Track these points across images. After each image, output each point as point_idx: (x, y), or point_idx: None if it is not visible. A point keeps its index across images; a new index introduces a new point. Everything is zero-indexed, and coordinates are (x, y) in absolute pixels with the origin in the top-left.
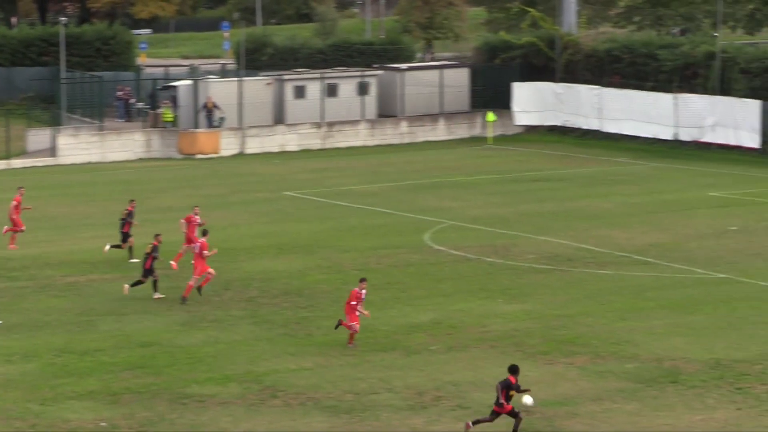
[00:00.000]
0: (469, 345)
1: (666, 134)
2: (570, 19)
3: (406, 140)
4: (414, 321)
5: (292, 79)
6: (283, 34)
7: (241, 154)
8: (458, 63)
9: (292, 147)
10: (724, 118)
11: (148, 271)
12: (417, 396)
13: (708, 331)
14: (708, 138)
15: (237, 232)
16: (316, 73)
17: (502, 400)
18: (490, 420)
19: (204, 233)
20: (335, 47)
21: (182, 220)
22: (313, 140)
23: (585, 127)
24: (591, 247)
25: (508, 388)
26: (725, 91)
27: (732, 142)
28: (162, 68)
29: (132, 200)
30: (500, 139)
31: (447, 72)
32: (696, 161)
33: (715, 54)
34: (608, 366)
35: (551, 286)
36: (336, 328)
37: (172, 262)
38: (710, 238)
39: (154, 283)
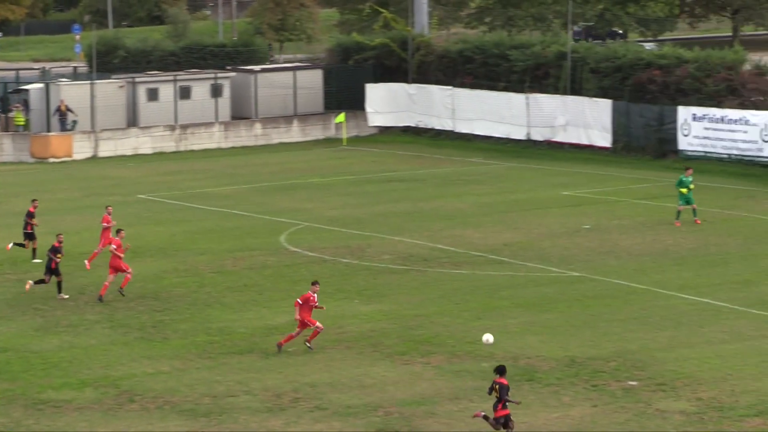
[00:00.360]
0: (326, 346)
1: (519, 134)
2: (422, 20)
3: (261, 142)
4: (271, 323)
5: (144, 81)
6: (135, 36)
7: (94, 158)
8: (311, 64)
9: (146, 150)
10: (576, 118)
11: (52, 272)
12: (275, 398)
13: (563, 329)
14: (560, 137)
15: (91, 236)
16: (168, 76)
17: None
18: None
19: (118, 232)
20: (188, 49)
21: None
22: (167, 143)
23: (438, 127)
24: (446, 247)
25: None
26: (576, 90)
27: (584, 141)
28: (13, 71)
29: (34, 200)
30: (355, 140)
31: (300, 73)
32: (548, 161)
33: (566, 54)
34: (465, 365)
35: (407, 287)
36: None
37: (86, 262)
38: (564, 237)
39: (59, 284)
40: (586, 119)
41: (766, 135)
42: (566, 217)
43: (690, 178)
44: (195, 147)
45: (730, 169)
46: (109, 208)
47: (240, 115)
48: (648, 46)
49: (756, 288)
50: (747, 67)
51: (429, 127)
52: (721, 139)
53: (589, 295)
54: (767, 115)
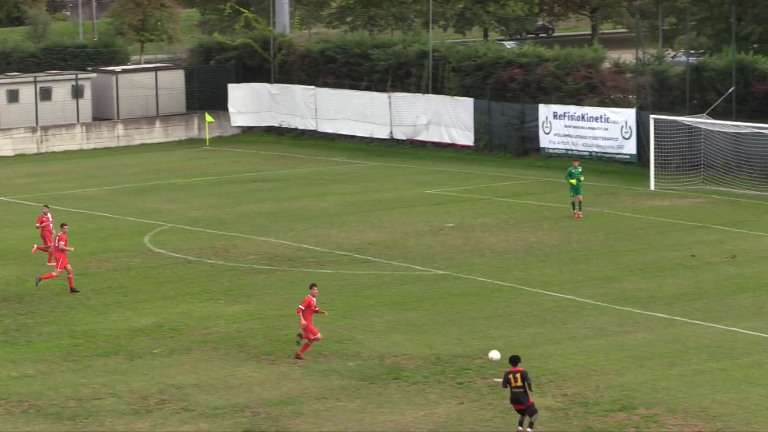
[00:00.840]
0: (192, 347)
1: (382, 133)
2: (283, 20)
3: (123, 143)
4: (136, 325)
5: (4, 83)
6: None
7: None
8: (173, 65)
9: (7, 152)
10: (438, 117)
11: None
12: (141, 400)
13: (428, 327)
14: (423, 136)
15: None
16: (29, 77)
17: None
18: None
19: (62, 226)
20: (48, 50)
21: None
22: (29, 144)
23: (301, 127)
24: (311, 246)
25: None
26: (438, 89)
27: (446, 140)
28: None
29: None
30: (217, 141)
31: (162, 74)
32: (412, 159)
33: (427, 53)
34: (331, 364)
35: (272, 287)
36: (301, 349)
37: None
38: (428, 236)
39: None
40: (449, 118)
41: (626, 132)
42: (430, 216)
43: (579, 170)
44: (56, 148)
45: (591, 166)
46: (45, 207)
47: (101, 116)
48: (508, 44)
49: (618, 284)
50: (606, 65)
51: (292, 126)
52: (582, 137)
53: (453, 293)
54: (627, 113)
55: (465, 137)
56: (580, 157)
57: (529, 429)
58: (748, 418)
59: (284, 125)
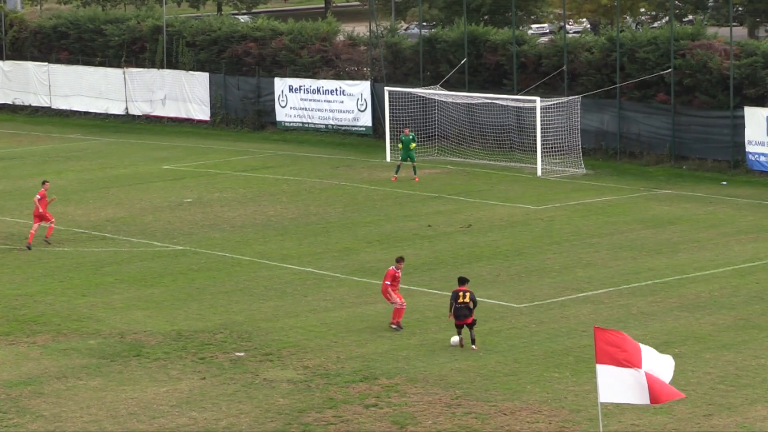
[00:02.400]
0: None
1: (117, 109)
2: None
3: None
4: None
5: None
6: None
7: None
8: None
9: None
10: (174, 92)
11: None
12: None
13: (168, 303)
14: (159, 112)
15: None
16: None
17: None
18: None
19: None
20: None
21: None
22: None
23: (35, 104)
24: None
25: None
26: (173, 64)
27: (183, 115)
28: None
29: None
30: None
31: None
32: (148, 135)
33: (161, 28)
34: (71, 343)
35: (9, 266)
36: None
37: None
38: (166, 211)
39: None
40: (185, 93)
41: (361, 105)
42: (168, 191)
43: (410, 136)
44: None
45: (327, 139)
46: (46, 183)
47: None
48: (243, 18)
49: (356, 256)
50: (340, 38)
51: (26, 104)
52: (319, 110)
53: (193, 268)
54: (362, 85)
55: (201, 112)
56: (317, 131)
57: (473, 345)
58: (487, 384)
59: (18, 102)
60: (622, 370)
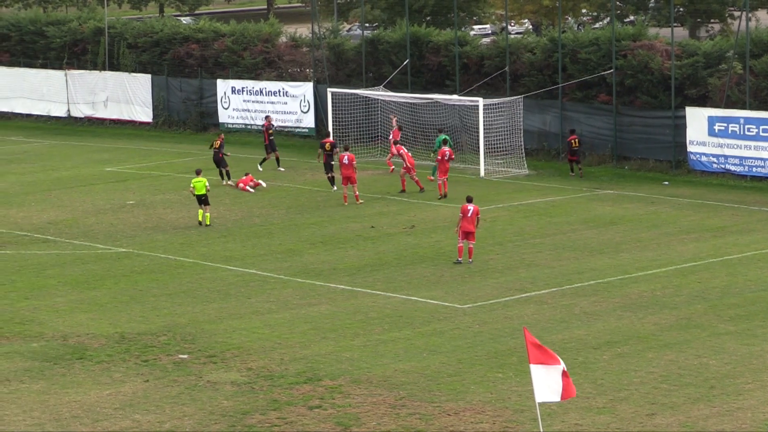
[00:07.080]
0: None
1: (59, 111)
2: None
3: None
4: None
5: None
6: None
7: None
8: None
9: None
10: (116, 94)
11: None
12: None
13: (111, 305)
14: (101, 114)
15: None
16: None
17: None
18: None
19: None
20: None
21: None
22: None
23: None
24: None
25: None
26: (115, 66)
27: (125, 117)
28: None
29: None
30: None
31: None
32: (91, 137)
33: (103, 29)
34: (14, 347)
35: None
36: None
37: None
38: (109, 213)
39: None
40: (127, 95)
41: (304, 106)
42: (111, 193)
43: (442, 137)
44: None
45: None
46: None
47: None
48: (185, 20)
49: (299, 257)
50: (283, 39)
51: None
52: (262, 111)
53: (136, 270)
54: (305, 87)
55: (144, 114)
56: (259, 132)
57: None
58: (431, 385)
59: None
60: (550, 368)
